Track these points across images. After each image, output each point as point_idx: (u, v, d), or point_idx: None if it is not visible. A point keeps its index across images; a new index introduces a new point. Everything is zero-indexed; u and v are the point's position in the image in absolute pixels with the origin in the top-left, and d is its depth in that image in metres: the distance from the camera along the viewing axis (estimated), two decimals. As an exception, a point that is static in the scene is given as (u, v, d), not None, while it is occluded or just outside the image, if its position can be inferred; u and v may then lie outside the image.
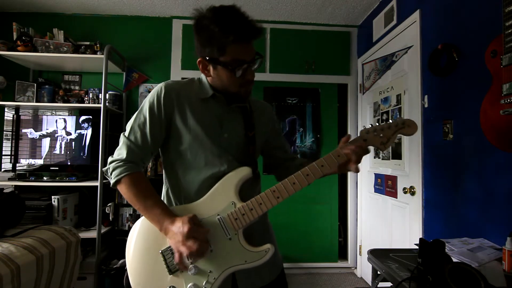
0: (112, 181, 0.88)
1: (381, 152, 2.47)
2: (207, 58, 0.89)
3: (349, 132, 3.09)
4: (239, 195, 0.89)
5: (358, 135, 0.91)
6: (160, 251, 0.86)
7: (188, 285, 0.83)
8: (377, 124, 0.90)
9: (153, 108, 0.92)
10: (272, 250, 0.85)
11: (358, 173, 2.96)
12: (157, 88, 0.94)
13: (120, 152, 0.90)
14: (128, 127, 0.93)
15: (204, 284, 0.83)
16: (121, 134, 0.93)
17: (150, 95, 0.94)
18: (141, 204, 0.87)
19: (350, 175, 3.08)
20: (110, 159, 0.91)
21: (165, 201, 0.98)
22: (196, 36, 0.90)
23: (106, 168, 0.90)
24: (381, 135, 0.88)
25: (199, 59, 0.91)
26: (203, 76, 0.99)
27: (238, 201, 0.88)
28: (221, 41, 0.84)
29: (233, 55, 0.86)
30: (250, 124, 0.99)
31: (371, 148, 0.91)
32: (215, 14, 0.85)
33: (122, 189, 0.88)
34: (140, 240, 0.90)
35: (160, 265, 0.86)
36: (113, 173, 0.88)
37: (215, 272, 0.84)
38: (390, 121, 0.89)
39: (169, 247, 0.86)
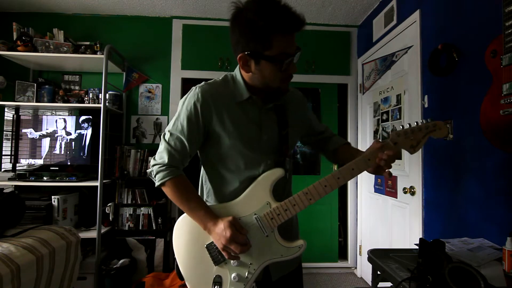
0: (157, 183, 0.94)
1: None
2: (250, 52, 0.86)
3: (349, 132, 3.10)
4: (273, 194, 0.95)
5: (389, 137, 0.88)
6: (205, 246, 0.95)
7: (232, 275, 0.92)
8: (408, 126, 0.87)
9: (191, 116, 0.93)
10: (304, 246, 0.92)
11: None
12: (194, 95, 0.93)
13: (162, 155, 0.94)
14: (167, 131, 0.96)
15: (246, 274, 0.92)
16: (162, 136, 0.97)
17: (187, 102, 0.93)
18: (185, 205, 0.94)
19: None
20: (152, 161, 0.96)
21: (204, 198, 1.05)
22: (237, 30, 0.87)
23: (149, 170, 0.96)
24: (412, 138, 0.86)
25: (239, 55, 0.88)
26: (237, 74, 0.98)
27: (273, 201, 0.93)
28: (268, 34, 0.82)
29: (279, 49, 0.84)
30: (284, 122, 1.00)
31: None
32: (259, 7, 0.82)
33: (167, 191, 0.95)
34: (186, 234, 0.98)
35: (206, 257, 0.95)
36: (157, 176, 0.94)
37: (255, 264, 0.92)
38: (419, 123, 0.87)
39: (213, 242, 0.94)
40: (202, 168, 1.06)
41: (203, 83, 0.96)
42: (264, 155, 0.97)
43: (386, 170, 0.88)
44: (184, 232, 0.99)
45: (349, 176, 0.89)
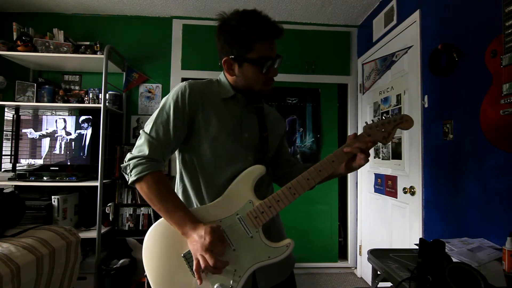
0: (132, 178, 0.85)
1: (381, 151, 2.47)
2: (234, 56, 0.92)
3: (349, 132, 3.10)
4: (256, 194, 0.90)
5: (362, 131, 0.94)
6: (182, 255, 0.86)
7: (215, 286, 0.83)
8: (378, 119, 0.93)
9: (177, 105, 0.91)
10: (292, 244, 0.88)
11: (358, 173, 2.97)
12: (180, 87, 0.94)
13: (142, 148, 0.88)
14: (149, 124, 0.91)
15: (231, 283, 0.84)
16: (141, 131, 0.91)
17: (173, 93, 0.93)
18: (162, 205, 0.85)
19: (350, 175, 3.08)
20: (129, 155, 0.88)
21: (182, 199, 0.97)
22: (222, 37, 0.94)
23: (125, 164, 0.88)
24: (383, 129, 0.91)
25: (224, 59, 0.95)
26: (221, 77, 1.03)
27: (256, 199, 0.89)
28: (249, 38, 0.90)
29: (260, 52, 0.91)
30: (264, 125, 1.02)
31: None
32: (241, 16, 0.92)
33: (143, 187, 0.86)
34: (159, 244, 0.89)
35: (183, 268, 0.86)
36: (134, 170, 0.85)
37: (240, 271, 0.85)
38: (389, 116, 0.93)
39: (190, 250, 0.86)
40: (178, 173, 1.01)
41: (189, 80, 0.98)
42: (246, 151, 0.96)
43: (362, 160, 0.90)
44: (156, 241, 0.89)
45: (330, 167, 0.90)
